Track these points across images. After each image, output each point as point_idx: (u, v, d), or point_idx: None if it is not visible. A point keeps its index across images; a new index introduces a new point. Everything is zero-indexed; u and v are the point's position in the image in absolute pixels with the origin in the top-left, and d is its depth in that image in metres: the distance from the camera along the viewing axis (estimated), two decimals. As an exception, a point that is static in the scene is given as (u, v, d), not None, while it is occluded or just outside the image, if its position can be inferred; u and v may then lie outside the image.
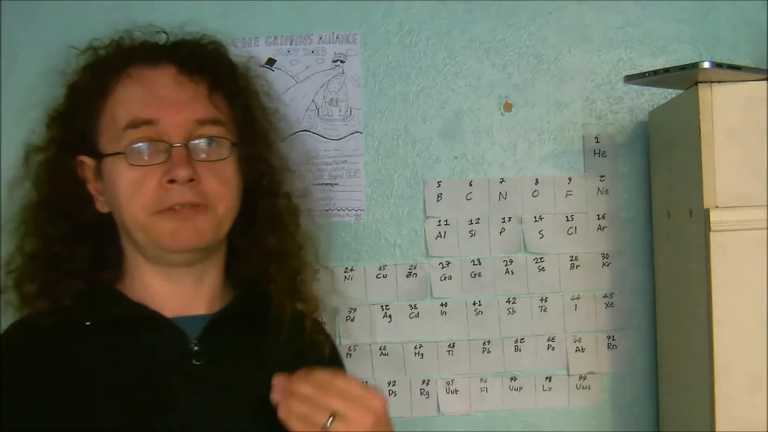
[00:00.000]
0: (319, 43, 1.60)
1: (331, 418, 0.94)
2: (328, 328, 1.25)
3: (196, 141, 1.02)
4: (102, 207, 1.08)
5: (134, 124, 1.01)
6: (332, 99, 1.60)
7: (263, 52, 1.57)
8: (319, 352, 1.15)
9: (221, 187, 1.04)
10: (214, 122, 1.04)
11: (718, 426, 1.23)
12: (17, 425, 0.99)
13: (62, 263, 1.07)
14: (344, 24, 1.60)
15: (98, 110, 1.05)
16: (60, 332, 1.03)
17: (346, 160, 1.59)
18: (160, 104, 1.02)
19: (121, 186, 1.02)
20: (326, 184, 1.57)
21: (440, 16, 1.60)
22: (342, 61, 1.60)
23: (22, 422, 0.99)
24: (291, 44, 1.59)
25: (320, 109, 1.59)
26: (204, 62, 1.07)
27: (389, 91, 1.61)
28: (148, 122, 1.01)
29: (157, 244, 1.03)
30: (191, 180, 1.00)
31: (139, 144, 1.01)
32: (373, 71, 1.60)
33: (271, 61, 1.58)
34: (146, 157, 1.01)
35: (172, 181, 1.00)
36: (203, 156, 1.03)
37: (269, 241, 1.13)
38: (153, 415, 1.00)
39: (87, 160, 1.07)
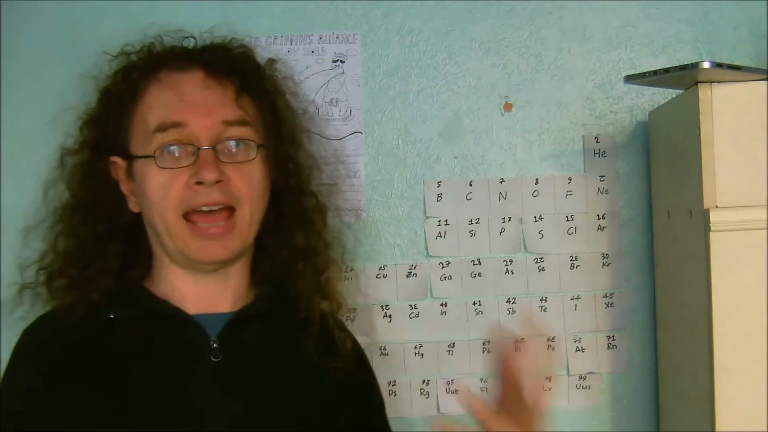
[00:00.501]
0: (319, 43, 1.60)
1: None
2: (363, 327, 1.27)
3: (224, 143, 1.04)
4: (134, 207, 1.10)
5: (163, 127, 1.03)
6: (332, 99, 1.60)
7: (263, 52, 1.56)
8: (342, 350, 1.16)
9: (248, 189, 1.05)
10: (241, 123, 1.06)
11: (718, 426, 1.23)
12: (36, 413, 1.01)
13: (95, 262, 1.09)
14: (344, 24, 1.60)
15: (129, 114, 1.07)
16: (84, 325, 1.06)
17: (346, 160, 1.59)
18: (188, 108, 1.04)
19: (150, 188, 1.04)
20: (326, 184, 1.57)
21: (440, 16, 1.60)
22: (342, 61, 1.60)
23: (41, 410, 1.01)
24: (291, 44, 1.59)
25: (320, 109, 1.59)
26: (231, 66, 1.09)
27: (389, 91, 1.61)
28: (176, 125, 1.03)
29: (183, 253, 1.05)
30: (218, 182, 1.02)
31: (168, 147, 1.03)
32: (373, 71, 1.61)
33: (271, 61, 1.58)
34: (175, 160, 1.03)
35: (199, 183, 1.02)
36: (230, 158, 1.04)
37: (297, 239, 1.15)
38: (170, 410, 1.01)
39: (119, 161, 1.09)
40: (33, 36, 1.57)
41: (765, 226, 1.23)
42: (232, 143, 1.05)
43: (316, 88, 1.59)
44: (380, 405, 1.25)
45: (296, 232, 1.16)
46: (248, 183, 1.05)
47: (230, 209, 1.04)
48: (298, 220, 1.16)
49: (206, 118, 1.04)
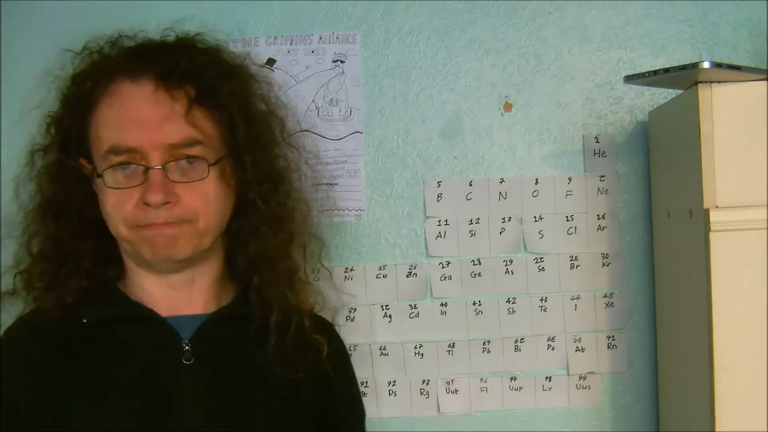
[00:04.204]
0: (319, 43, 1.59)
1: None
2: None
3: (174, 162, 1.02)
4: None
5: (115, 151, 1.02)
6: (332, 99, 1.60)
7: (263, 52, 1.57)
8: (317, 352, 1.16)
9: (202, 203, 1.03)
10: (191, 144, 1.03)
11: (718, 426, 1.23)
12: (15, 413, 1.01)
13: (68, 261, 1.09)
14: (344, 24, 1.60)
15: (87, 123, 1.06)
16: (60, 326, 1.06)
17: (346, 160, 1.59)
18: (137, 127, 1.01)
19: (104, 205, 1.04)
20: (326, 184, 1.57)
21: (440, 16, 1.60)
22: (342, 61, 1.60)
23: (20, 411, 1.01)
24: (291, 44, 1.59)
25: (320, 109, 1.59)
26: (186, 72, 1.05)
27: (389, 91, 1.61)
28: (128, 150, 1.01)
29: (139, 256, 1.05)
30: (167, 203, 1.01)
31: (116, 168, 1.02)
32: (373, 71, 1.60)
33: (271, 61, 1.58)
34: (125, 179, 1.02)
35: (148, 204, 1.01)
36: (182, 177, 1.02)
37: (250, 248, 1.13)
38: (141, 412, 1.02)
39: (86, 163, 1.08)
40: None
41: (765, 226, 1.23)
42: (182, 163, 1.02)
43: (316, 88, 1.59)
44: (358, 415, 1.26)
45: (249, 243, 1.14)
46: (201, 198, 1.03)
47: (182, 222, 1.03)
48: (251, 234, 1.13)
49: (155, 136, 1.01)
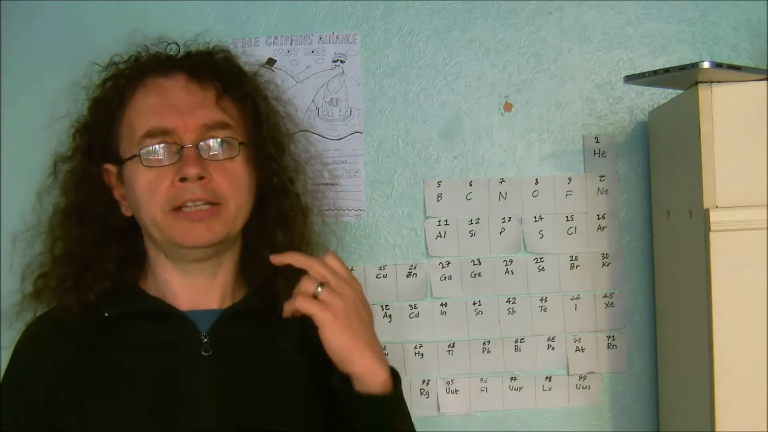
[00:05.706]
0: (319, 43, 1.59)
1: (320, 287, 1.06)
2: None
3: (206, 141, 1.08)
4: (126, 211, 1.14)
5: (151, 134, 1.08)
6: (332, 99, 1.60)
7: (263, 52, 1.57)
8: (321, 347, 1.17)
9: (232, 185, 1.09)
10: (222, 126, 1.10)
11: (718, 426, 1.23)
12: (34, 410, 1.04)
13: (92, 265, 1.13)
14: (344, 24, 1.60)
15: (118, 120, 1.12)
16: (81, 323, 1.10)
17: (346, 160, 1.59)
18: (173, 112, 1.08)
19: (138, 188, 1.08)
20: (326, 184, 1.57)
21: (440, 16, 1.60)
22: (342, 61, 1.60)
23: (39, 407, 1.04)
24: (291, 44, 1.59)
25: (320, 109, 1.59)
26: (213, 70, 1.14)
27: (389, 91, 1.61)
28: (165, 132, 1.07)
29: (172, 241, 1.08)
30: (202, 178, 1.06)
31: (152, 146, 1.07)
32: (373, 71, 1.60)
33: (271, 61, 1.58)
34: (159, 159, 1.07)
35: (183, 180, 1.06)
36: (213, 155, 1.08)
37: (278, 238, 1.18)
38: (157, 406, 1.04)
39: (110, 168, 1.13)
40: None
41: (765, 226, 1.23)
42: (214, 142, 1.09)
43: (316, 88, 1.59)
44: None
45: (277, 232, 1.19)
46: (231, 180, 1.09)
47: (215, 205, 1.08)
48: (280, 220, 1.19)
49: (189, 120, 1.08)
